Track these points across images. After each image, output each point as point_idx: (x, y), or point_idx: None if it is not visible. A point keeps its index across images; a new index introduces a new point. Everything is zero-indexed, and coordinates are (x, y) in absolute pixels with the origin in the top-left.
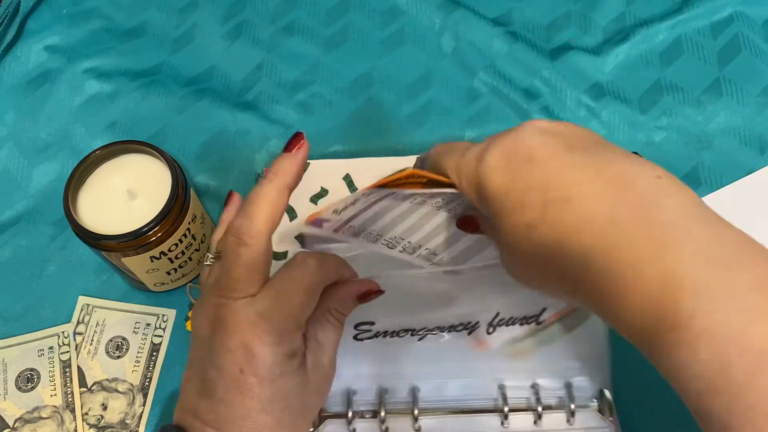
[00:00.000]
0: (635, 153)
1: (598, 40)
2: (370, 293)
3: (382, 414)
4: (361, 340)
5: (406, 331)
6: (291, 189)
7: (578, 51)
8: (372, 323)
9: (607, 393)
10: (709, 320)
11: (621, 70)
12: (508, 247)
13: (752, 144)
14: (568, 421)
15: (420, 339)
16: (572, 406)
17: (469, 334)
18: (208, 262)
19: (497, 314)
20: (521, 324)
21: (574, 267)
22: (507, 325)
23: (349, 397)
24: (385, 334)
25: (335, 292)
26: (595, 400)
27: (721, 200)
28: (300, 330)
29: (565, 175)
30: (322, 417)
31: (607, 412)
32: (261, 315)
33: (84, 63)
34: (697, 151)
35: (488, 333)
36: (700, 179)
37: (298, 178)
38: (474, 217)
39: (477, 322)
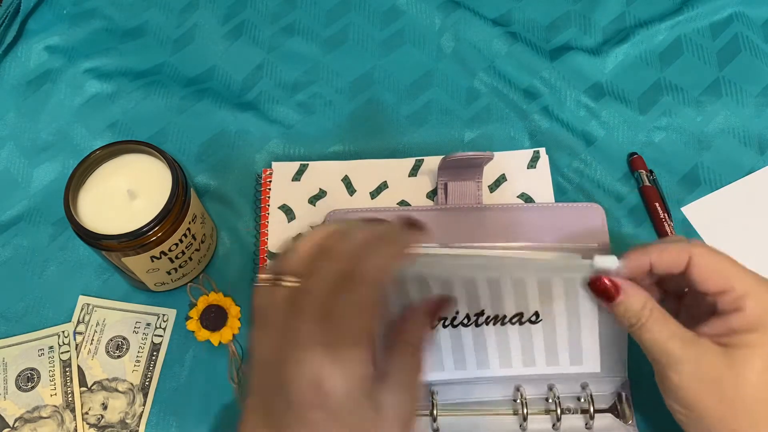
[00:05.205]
0: (634, 154)
1: (597, 41)
2: (441, 306)
3: None
4: None
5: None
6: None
7: (578, 51)
8: None
9: (626, 398)
10: None
11: (621, 70)
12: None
13: (752, 144)
14: (586, 425)
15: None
16: (591, 410)
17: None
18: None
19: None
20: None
21: None
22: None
23: None
24: None
25: (406, 323)
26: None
27: (721, 200)
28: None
29: None
30: None
31: (626, 417)
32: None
33: (84, 63)
34: (697, 152)
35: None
36: (700, 179)
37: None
38: (617, 286)
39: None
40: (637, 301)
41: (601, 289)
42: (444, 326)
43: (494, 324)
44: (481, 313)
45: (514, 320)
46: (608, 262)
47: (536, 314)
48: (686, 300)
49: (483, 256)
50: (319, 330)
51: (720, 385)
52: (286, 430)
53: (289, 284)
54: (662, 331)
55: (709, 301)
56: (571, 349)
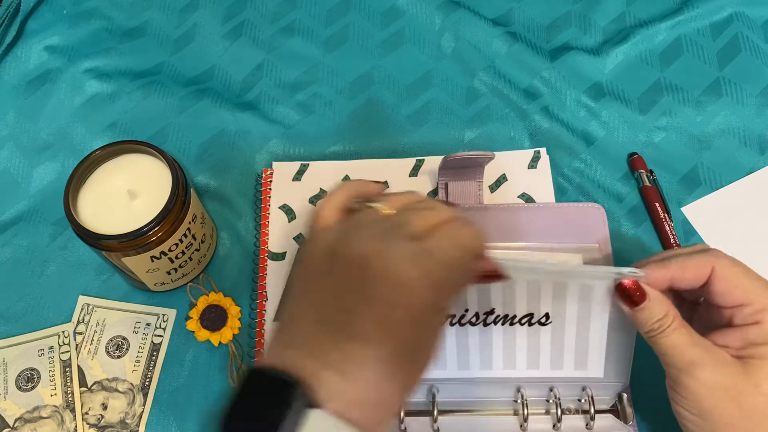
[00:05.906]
0: (634, 154)
1: (597, 41)
2: (492, 275)
3: (401, 415)
4: None
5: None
6: None
7: (578, 51)
8: None
9: (627, 398)
10: None
11: (621, 70)
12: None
13: (752, 144)
14: (587, 425)
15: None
16: (592, 411)
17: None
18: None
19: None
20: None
21: None
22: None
23: None
24: None
25: None
26: (614, 405)
27: (721, 200)
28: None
29: None
30: None
31: (626, 418)
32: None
33: (84, 63)
34: (697, 152)
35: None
36: (700, 179)
37: None
38: (641, 292)
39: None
40: (661, 309)
41: (628, 294)
42: (451, 324)
43: (503, 324)
44: (491, 311)
45: (523, 321)
46: (632, 273)
47: (546, 316)
48: (700, 309)
49: (512, 259)
50: (414, 247)
51: (738, 394)
52: (357, 332)
53: (386, 212)
54: (682, 338)
55: (725, 314)
56: (577, 352)
